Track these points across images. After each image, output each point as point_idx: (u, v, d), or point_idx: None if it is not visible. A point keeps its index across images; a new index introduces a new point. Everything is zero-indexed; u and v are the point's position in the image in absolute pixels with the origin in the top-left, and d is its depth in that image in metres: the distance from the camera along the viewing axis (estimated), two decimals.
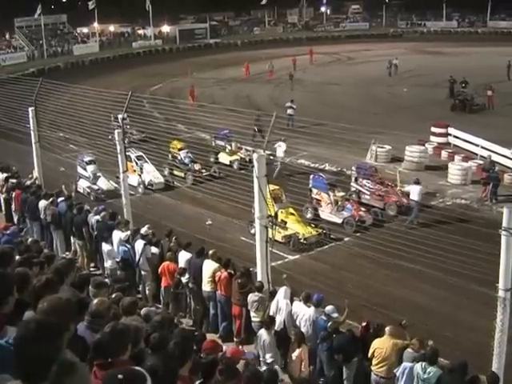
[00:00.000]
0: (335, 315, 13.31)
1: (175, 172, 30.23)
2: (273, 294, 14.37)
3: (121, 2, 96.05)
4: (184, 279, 16.30)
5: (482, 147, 30.64)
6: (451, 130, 34.22)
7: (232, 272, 15.70)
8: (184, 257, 16.68)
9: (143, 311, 10.46)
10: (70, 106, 28.36)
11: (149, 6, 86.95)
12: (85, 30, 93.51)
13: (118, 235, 17.85)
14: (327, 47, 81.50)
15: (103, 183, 27.79)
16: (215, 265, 15.89)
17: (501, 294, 11.36)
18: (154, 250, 17.45)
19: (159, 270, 16.77)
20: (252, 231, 20.09)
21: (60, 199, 20.58)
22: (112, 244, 17.89)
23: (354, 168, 27.70)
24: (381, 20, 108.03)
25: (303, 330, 13.56)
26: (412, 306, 17.70)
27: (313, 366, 13.25)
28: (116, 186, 25.89)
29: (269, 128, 15.43)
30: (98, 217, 19.09)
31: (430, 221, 22.75)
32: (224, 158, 32.02)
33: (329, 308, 13.42)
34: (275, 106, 41.64)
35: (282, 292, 14.12)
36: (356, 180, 26.95)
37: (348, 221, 23.82)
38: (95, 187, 27.68)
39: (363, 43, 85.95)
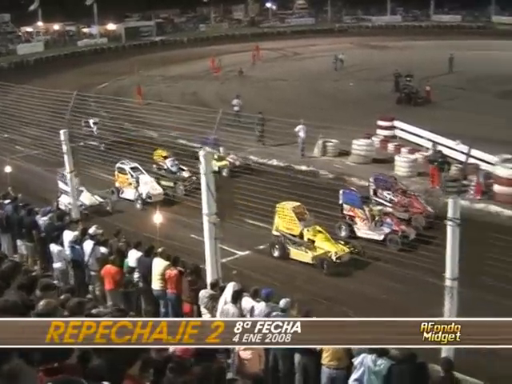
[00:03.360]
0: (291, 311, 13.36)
1: (162, 182, 27.87)
2: (223, 290, 14.35)
3: (64, 0, 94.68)
4: (134, 278, 16.24)
5: (428, 139, 31.00)
6: (397, 123, 34.64)
7: (182, 270, 15.69)
8: (134, 256, 16.60)
9: (94, 311, 10.37)
10: (14, 106, 27.91)
11: (93, 4, 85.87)
12: (29, 29, 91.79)
13: (68, 235, 17.67)
14: (273, 43, 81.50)
15: (86, 198, 25.40)
16: (165, 263, 15.84)
17: (448, 283, 11.59)
18: (103, 250, 17.30)
19: (101, 273, 16.45)
20: (275, 254, 21.14)
21: (6, 201, 20.29)
22: (62, 245, 17.66)
23: (371, 179, 25.44)
24: (326, 15, 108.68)
25: None
26: (362, 298, 17.85)
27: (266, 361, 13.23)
28: (101, 200, 25.40)
29: (215, 125, 15.45)
30: (45, 218, 18.87)
31: None
32: (212, 164, 31.12)
33: (282, 302, 13.35)
34: (222, 102, 41.60)
35: (231, 288, 14.08)
36: (375, 193, 24.88)
37: (392, 238, 21.69)
38: (78, 203, 24.98)
39: (309, 38, 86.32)
